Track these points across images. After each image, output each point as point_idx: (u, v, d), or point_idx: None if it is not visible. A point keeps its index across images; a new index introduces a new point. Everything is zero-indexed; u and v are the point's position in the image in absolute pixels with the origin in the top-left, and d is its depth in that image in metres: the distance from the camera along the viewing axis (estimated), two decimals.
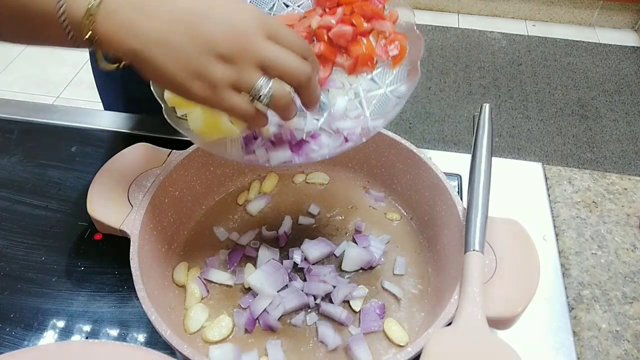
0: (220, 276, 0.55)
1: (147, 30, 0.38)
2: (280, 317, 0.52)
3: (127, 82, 0.82)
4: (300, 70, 0.41)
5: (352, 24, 0.53)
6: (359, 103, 0.52)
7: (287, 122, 0.48)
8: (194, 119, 0.49)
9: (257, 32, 0.40)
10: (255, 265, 0.56)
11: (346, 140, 0.50)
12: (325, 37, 0.53)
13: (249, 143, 0.50)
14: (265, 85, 0.40)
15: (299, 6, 0.57)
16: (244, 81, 0.40)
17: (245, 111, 0.41)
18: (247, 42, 0.39)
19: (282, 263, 0.55)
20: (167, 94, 0.50)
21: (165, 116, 0.49)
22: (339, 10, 0.53)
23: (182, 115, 0.50)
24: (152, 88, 0.50)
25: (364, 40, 0.53)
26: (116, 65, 0.42)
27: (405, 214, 0.62)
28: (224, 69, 0.39)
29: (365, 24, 0.53)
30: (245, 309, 0.52)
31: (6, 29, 0.42)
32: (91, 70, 0.86)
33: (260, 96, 0.40)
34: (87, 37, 0.39)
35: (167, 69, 0.39)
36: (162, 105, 0.50)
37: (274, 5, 0.57)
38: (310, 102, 0.44)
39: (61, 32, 0.39)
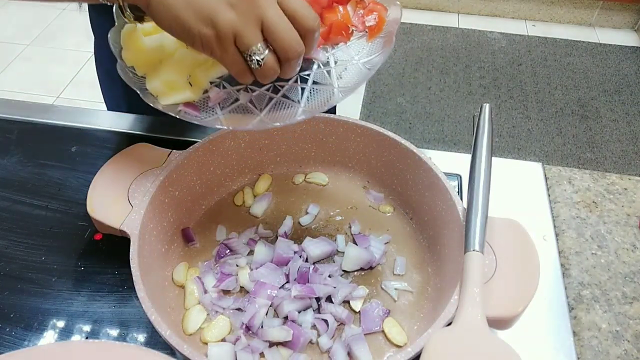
0: (213, 282, 0.55)
1: None
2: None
3: None
4: (293, 47, 0.44)
5: None
6: (327, 72, 0.52)
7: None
8: (153, 79, 0.49)
9: None
10: (251, 263, 0.56)
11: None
12: None
13: (202, 108, 0.51)
14: (261, 52, 0.44)
15: None
16: (245, 37, 0.43)
17: (240, 65, 0.45)
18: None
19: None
20: (126, 55, 0.51)
21: (120, 73, 0.50)
22: None
23: (141, 76, 0.51)
24: (111, 45, 0.51)
25: (341, 8, 0.52)
26: (136, 20, 0.47)
27: (405, 214, 0.62)
28: (231, 15, 0.42)
29: None
30: (242, 310, 0.52)
31: None
32: (95, 72, 0.86)
33: (252, 60, 0.44)
34: None
35: (179, 11, 0.42)
36: (118, 62, 0.51)
37: None
38: (285, 75, 0.47)
39: None
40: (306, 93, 0.51)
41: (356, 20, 0.52)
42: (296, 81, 0.52)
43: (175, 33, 0.45)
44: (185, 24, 0.43)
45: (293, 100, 0.51)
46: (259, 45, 0.43)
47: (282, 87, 0.52)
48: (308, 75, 0.52)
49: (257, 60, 0.44)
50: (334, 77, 0.51)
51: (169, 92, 0.50)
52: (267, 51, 0.44)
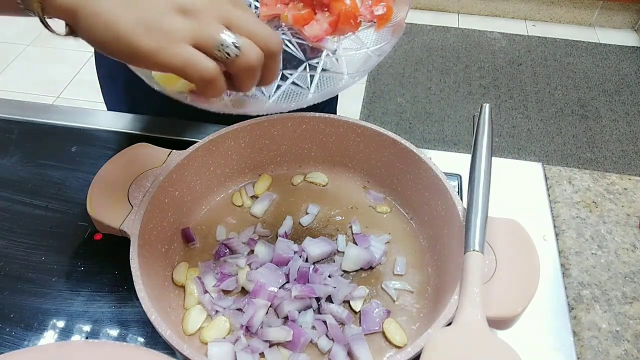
0: (213, 282, 0.55)
1: None
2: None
3: (130, 83, 0.82)
4: (274, 38, 0.37)
5: None
6: (336, 60, 0.52)
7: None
8: None
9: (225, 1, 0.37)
10: (251, 263, 0.56)
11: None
12: None
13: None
14: (232, 37, 0.35)
15: None
16: (207, 33, 0.35)
17: (204, 67, 0.35)
18: (212, 1, 0.36)
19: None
20: None
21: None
22: None
23: None
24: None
25: None
26: (65, 33, 0.38)
27: (405, 213, 0.62)
28: (183, 21, 0.35)
29: None
30: (242, 310, 0.52)
31: None
32: (95, 72, 0.86)
33: (228, 47, 0.35)
34: None
35: (114, 18, 0.34)
36: None
37: None
38: (272, 75, 0.40)
39: None
40: (315, 80, 0.51)
41: (364, 9, 0.52)
42: (305, 69, 0.52)
43: (108, 48, 0.36)
44: (121, 32, 0.34)
45: (302, 87, 0.51)
46: (227, 32, 0.35)
47: (291, 74, 0.52)
48: (317, 63, 0.52)
49: (232, 46, 0.35)
50: (343, 64, 0.51)
51: (175, 80, 0.49)
52: (241, 37, 0.36)
